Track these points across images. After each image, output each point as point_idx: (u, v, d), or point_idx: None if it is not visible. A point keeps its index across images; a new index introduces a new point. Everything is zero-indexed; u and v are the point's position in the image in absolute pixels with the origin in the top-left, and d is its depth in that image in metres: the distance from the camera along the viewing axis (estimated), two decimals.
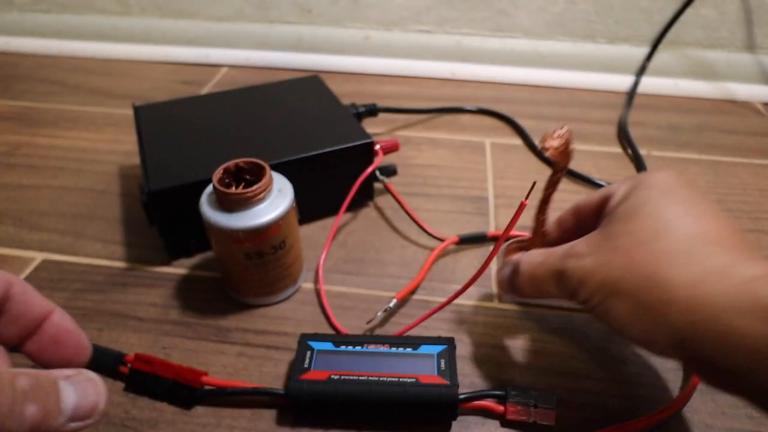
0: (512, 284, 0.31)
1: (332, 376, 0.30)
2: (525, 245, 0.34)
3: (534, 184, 0.28)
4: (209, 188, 0.34)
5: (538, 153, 0.55)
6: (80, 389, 0.19)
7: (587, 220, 0.30)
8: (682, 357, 0.24)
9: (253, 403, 0.31)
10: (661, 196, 0.26)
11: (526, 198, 0.28)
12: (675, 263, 0.23)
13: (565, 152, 0.28)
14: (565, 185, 0.50)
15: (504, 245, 0.34)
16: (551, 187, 0.30)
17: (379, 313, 0.35)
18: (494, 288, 0.39)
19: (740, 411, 0.31)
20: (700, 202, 0.25)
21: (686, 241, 0.24)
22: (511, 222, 0.29)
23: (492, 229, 0.44)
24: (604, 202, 0.29)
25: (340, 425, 0.30)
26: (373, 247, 0.43)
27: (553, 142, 0.27)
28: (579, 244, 0.27)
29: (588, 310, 0.26)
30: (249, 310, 0.37)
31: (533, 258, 0.29)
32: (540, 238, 0.33)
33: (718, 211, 0.26)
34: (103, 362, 0.33)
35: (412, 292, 0.38)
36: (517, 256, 0.30)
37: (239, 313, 0.37)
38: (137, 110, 0.46)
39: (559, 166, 0.29)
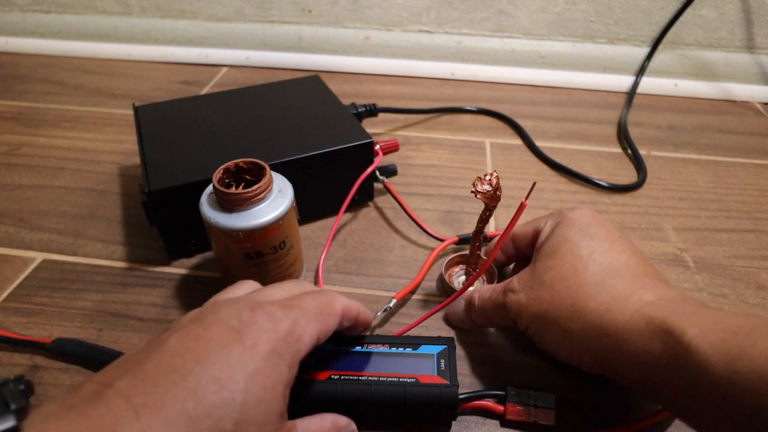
0: (468, 316, 0.34)
1: (332, 376, 0.30)
2: (464, 260, 0.40)
3: (534, 184, 0.29)
4: (209, 188, 0.34)
5: (538, 153, 0.55)
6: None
7: (523, 249, 0.35)
8: (604, 374, 0.27)
9: None
10: (577, 234, 0.30)
11: (526, 198, 0.28)
12: (589, 294, 0.27)
13: (494, 195, 0.32)
14: (565, 186, 0.51)
15: (447, 258, 0.40)
16: (482, 222, 0.35)
17: (379, 313, 0.35)
18: None
19: None
20: (610, 237, 0.30)
21: (597, 273, 0.28)
22: (511, 222, 0.29)
23: (492, 229, 0.44)
24: (536, 235, 0.33)
25: None
26: (373, 247, 0.43)
27: (483, 187, 0.32)
28: (514, 281, 0.31)
29: (529, 336, 0.31)
30: None
31: (483, 294, 0.33)
32: (475, 259, 0.38)
33: (627, 242, 0.30)
34: (103, 362, 0.33)
35: (412, 291, 0.38)
36: (468, 293, 0.34)
37: None
38: (137, 110, 0.46)
39: (488, 206, 0.33)
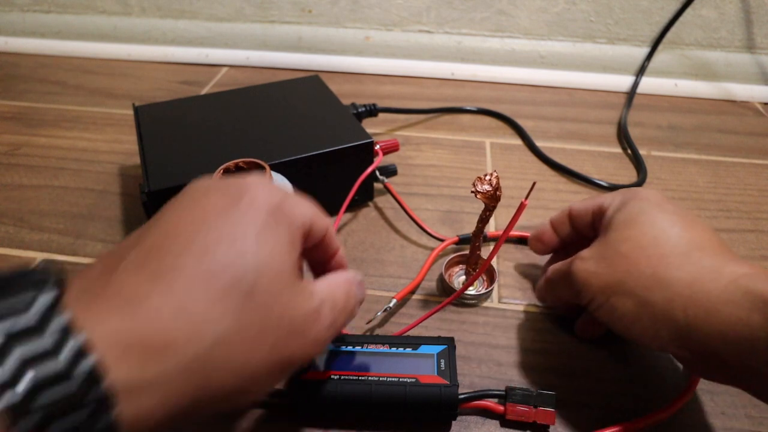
0: (539, 291, 0.35)
1: (332, 376, 0.30)
2: (464, 259, 0.40)
3: (534, 184, 0.29)
4: None
5: (538, 153, 0.55)
6: (361, 289, 0.26)
7: (583, 228, 0.34)
8: (681, 351, 0.26)
9: (253, 403, 0.31)
10: (653, 208, 0.29)
11: (526, 198, 0.28)
12: (674, 265, 0.26)
13: (494, 195, 0.32)
14: (565, 186, 0.51)
15: (447, 258, 0.40)
16: (482, 222, 0.35)
17: (379, 313, 0.35)
18: (495, 289, 0.39)
19: (740, 411, 0.31)
20: (685, 214, 0.29)
21: (681, 245, 0.27)
22: (511, 222, 0.29)
23: (492, 229, 0.44)
24: (599, 211, 0.32)
25: (340, 425, 0.30)
26: (373, 247, 0.43)
27: (483, 187, 0.31)
28: (584, 251, 0.30)
29: (593, 310, 0.29)
30: None
31: (553, 266, 0.33)
32: (475, 259, 0.38)
33: (701, 221, 0.29)
34: None
35: (412, 291, 0.38)
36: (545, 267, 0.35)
37: None
38: (137, 110, 0.46)
39: (488, 206, 0.33)
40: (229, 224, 0.20)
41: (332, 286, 0.24)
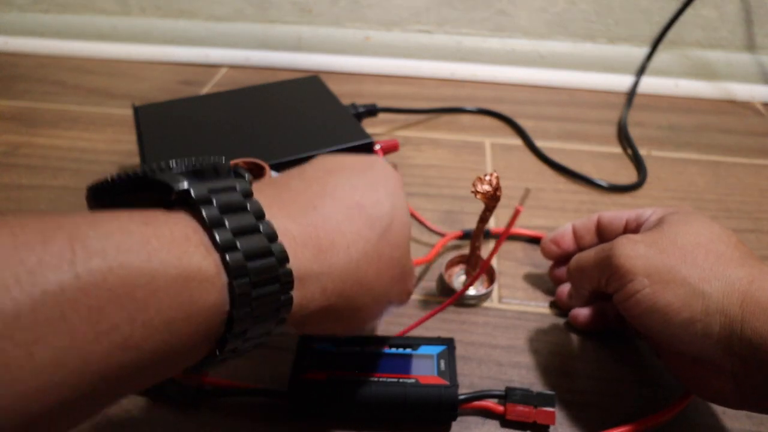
0: (568, 275, 0.33)
1: (332, 377, 0.30)
2: (464, 260, 0.40)
3: (527, 191, 0.29)
4: None
5: (538, 153, 0.55)
6: None
7: (611, 237, 0.32)
8: (727, 356, 0.24)
9: (253, 404, 0.31)
10: (702, 216, 0.28)
11: (521, 204, 0.28)
12: (734, 263, 0.25)
13: (494, 196, 0.32)
14: (565, 186, 0.50)
15: (447, 258, 0.40)
16: (482, 222, 0.35)
17: None
18: (495, 289, 0.39)
19: (740, 411, 0.31)
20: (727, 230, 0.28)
21: (739, 249, 0.26)
22: (506, 227, 0.30)
23: (493, 227, 0.44)
24: (635, 220, 0.31)
25: (340, 426, 0.30)
26: None
27: (483, 187, 0.31)
28: (633, 234, 0.28)
29: (624, 297, 0.26)
30: None
31: (580, 253, 0.31)
32: (475, 259, 0.38)
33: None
34: None
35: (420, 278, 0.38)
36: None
37: None
38: (137, 110, 0.46)
39: (488, 206, 0.33)
40: (369, 179, 0.25)
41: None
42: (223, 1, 0.74)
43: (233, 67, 0.74)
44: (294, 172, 0.24)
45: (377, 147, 0.44)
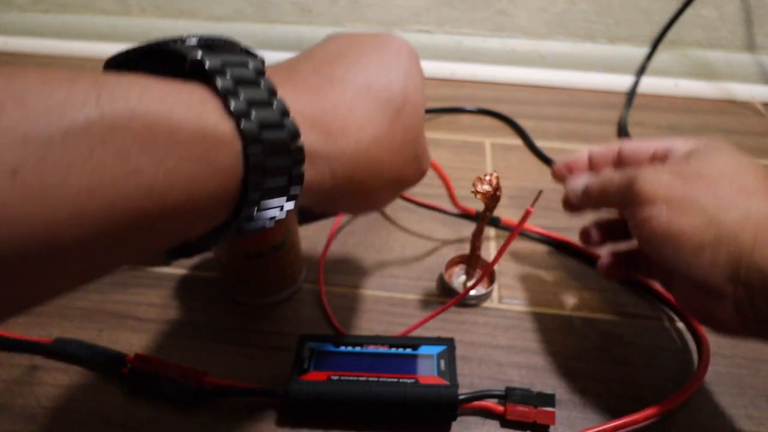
0: (586, 193, 0.32)
1: (332, 377, 0.30)
2: (464, 260, 0.39)
3: (540, 192, 0.29)
4: None
5: (538, 153, 0.55)
6: None
7: (636, 161, 0.32)
8: (731, 283, 0.24)
9: (252, 404, 0.31)
10: (733, 149, 0.28)
11: (532, 205, 0.29)
12: (757, 194, 0.25)
13: (494, 196, 0.32)
14: None
15: (447, 258, 0.40)
16: (482, 222, 0.35)
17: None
18: (495, 289, 0.39)
19: (740, 411, 0.31)
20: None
21: (765, 182, 0.26)
22: (515, 228, 0.30)
23: (491, 230, 0.44)
24: (664, 151, 0.30)
25: (340, 426, 0.30)
26: (373, 247, 0.43)
27: (483, 187, 0.31)
28: (658, 164, 0.29)
29: (640, 221, 0.26)
30: (249, 310, 0.37)
31: (604, 172, 0.31)
32: (475, 259, 0.38)
33: None
34: (103, 362, 0.33)
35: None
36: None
37: (239, 313, 0.37)
38: None
39: (488, 206, 0.33)
40: (381, 59, 0.24)
41: None
42: (223, 1, 0.73)
43: None
44: (303, 56, 0.24)
45: None
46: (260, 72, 0.19)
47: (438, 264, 0.41)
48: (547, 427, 0.30)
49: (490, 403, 0.30)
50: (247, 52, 0.20)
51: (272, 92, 0.19)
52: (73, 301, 0.37)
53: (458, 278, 0.40)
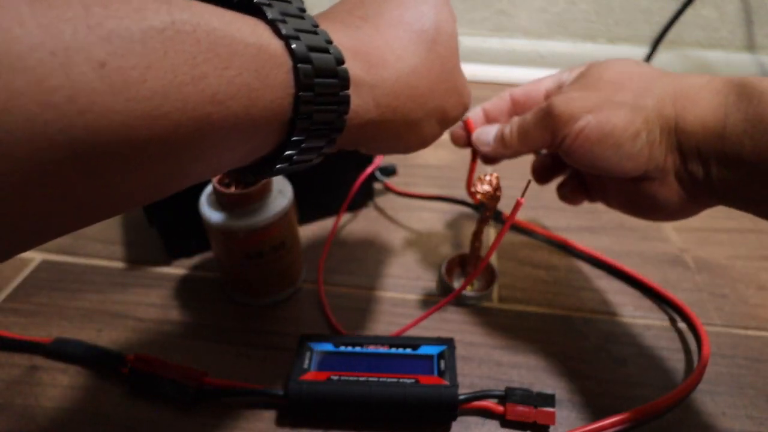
0: (500, 142, 0.32)
1: (332, 377, 0.29)
2: (465, 260, 0.40)
3: (529, 182, 0.29)
4: (209, 188, 0.34)
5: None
6: None
7: (533, 103, 0.33)
8: (670, 155, 0.26)
9: (252, 404, 0.31)
10: (611, 59, 0.30)
11: (522, 196, 0.28)
12: (658, 76, 0.28)
13: (494, 196, 0.32)
14: None
15: (447, 258, 0.40)
16: (482, 223, 0.35)
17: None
18: (494, 289, 0.39)
19: (740, 411, 0.31)
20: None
21: (663, 71, 0.28)
22: (508, 220, 0.29)
23: (491, 230, 0.44)
24: (556, 87, 0.32)
25: (340, 426, 0.30)
26: (373, 247, 0.43)
27: (483, 187, 0.31)
28: (560, 92, 0.30)
29: (570, 144, 0.27)
30: (249, 310, 0.37)
31: (517, 116, 0.31)
32: (475, 259, 0.37)
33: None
34: (103, 362, 0.33)
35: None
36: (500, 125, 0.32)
37: (239, 313, 0.37)
38: None
39: (488, 206, 0.33)
40: None
41: None
42: None
43: None
44: (335, 5, 0.25)
45: None
46: (302, 9, 0.20)
47: (438, 264, 0.41)
48: (547, 427, 0.30)
49: (490, 403, 0.30)
50: None
51: (315, 25, 0.20)
52: (72, 301, 0.37)
53: (458, 278, 0.40)
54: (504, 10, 0.69)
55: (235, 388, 0.31)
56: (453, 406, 0.29)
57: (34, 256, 0.41)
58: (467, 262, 0.38)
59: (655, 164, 0.27)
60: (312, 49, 0.19)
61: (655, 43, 0.68)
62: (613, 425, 0.29)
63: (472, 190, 0.32)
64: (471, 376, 0.33)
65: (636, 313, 0.37)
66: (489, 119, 0.35)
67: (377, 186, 0.47)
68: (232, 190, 0.32)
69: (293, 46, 0.18)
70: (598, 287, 0.39)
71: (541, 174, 0.37)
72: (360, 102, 0.21)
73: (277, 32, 0.18)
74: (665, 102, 0.26)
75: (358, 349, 0.31)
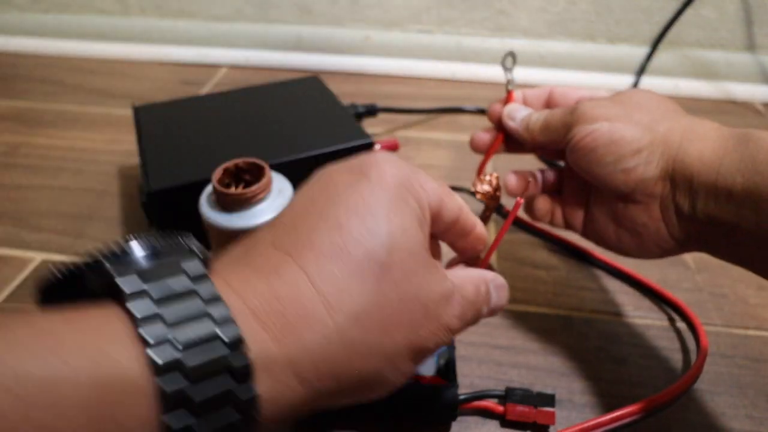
0: (527, 125, 0.33)
1: None
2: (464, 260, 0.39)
3: (529, 182, 0.29)
4: (209, 188, 0.34)
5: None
6: (499, 293, 0.25)
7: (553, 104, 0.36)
8: (662, 182, 0.27)
9: None
10: (646, 89, 0.32)
11: (521, 196, 0.28)
12: (680, 113, 0.29)
13: (494, 196, 0.32)
14: None
15: (447, 259, 0.39)
16: (482, 222, 0.34)
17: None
18: None
19: (740, 411, 0.31)
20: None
21: (678, 106, 0.30)
22: (507, 219, 0.29)
23: (491, 230, 0.44)
24: (589, 98, 0.34)
25: (340, 426, 0.30)
26: None
27: (483, 187, 0.31)
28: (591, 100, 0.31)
29: (585, 133, 0.29)
30: None
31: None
32: (476, 260, 0.36)
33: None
34: None
35: None
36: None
37: None
38: (137, 110, 0.46)
39: (488, 206, 0.33)
40: (358, 199, 0.20)
41: (462, 277, 0.23)
42: (223, 1, 0.74)
43: (233, 67, 0.74)
44: (274, 221, 0.22)
45: (377, 147, 0.44)
46: (199, 277, 0.17)
47: (443, 261, 0.41)
48: (547, 427, 0.30)
49: (490, 403, 0.30)
50: (196, 250, 0.18)
51: (212, 298, 0.17)
52: None
53: None
54: (504, 10, 0.69)
55: None
56: (453, 406, 0.29)
57: (34, 256, 0.41)
58: (468, 263, 0.38)
59: (644, 185, 0.28)
60: (190, 345, 0.15)
61: (655, 43, 0.68)
62: (611, 421, 0.29)
63: (472, 189, 0.31)
64: (471, 376, 0.33)
65: (636, 313, 0.37)
66: (526, 102, 0.37)
67: None
68: (232, 190, 0.32)
69: (153, 353, 0.14)
70: (598, 287, 0.39)
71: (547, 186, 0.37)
72: (275, 385, 0.17)
73: (139, 335, 0.15)
74: (674, 131, 0.27)
75: None
